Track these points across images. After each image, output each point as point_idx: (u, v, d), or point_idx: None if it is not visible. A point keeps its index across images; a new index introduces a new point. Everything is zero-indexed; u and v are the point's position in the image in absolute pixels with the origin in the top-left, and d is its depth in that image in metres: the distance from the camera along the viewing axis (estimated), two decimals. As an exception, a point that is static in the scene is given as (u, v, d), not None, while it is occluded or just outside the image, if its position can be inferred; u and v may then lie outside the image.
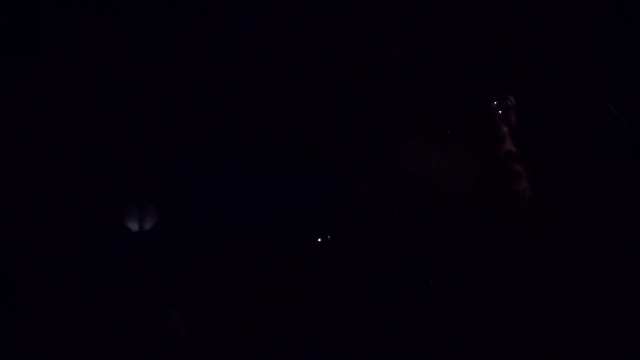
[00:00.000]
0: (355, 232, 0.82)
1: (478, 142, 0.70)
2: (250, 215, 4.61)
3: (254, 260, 4.04)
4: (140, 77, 3.43)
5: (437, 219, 0.71)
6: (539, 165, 0.73)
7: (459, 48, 0.75)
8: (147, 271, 4.32)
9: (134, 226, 4.43)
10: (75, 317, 3.47)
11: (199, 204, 4.67)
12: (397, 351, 0.69)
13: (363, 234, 0.81)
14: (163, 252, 4.44)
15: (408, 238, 0.75)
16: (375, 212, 0.77)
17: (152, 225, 4.53)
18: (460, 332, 0.68)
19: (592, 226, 0.71)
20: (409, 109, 0.73)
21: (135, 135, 4.03)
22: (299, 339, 0.78)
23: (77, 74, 3.26)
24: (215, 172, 4.48)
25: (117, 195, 4.50)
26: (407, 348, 0.69)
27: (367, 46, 0.81)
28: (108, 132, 3.90)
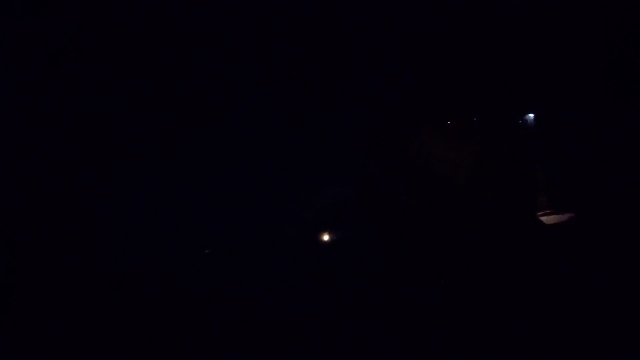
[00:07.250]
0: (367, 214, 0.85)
1: (470, 135, 0.72)
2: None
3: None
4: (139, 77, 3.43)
5: (440, 202, 0.73)
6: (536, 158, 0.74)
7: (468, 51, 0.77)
8: (148, 271, 4.32)
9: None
10: (75, 316, 3.47)
11: (209, 199, 4.68)
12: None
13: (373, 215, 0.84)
14: (163, 252, 4.45)
15: (416, 218, 0.77)
16: (385, 193, 0.80)
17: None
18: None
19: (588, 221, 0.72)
20: (424, 104, 0.76)
21: (135, 135, 4.04)
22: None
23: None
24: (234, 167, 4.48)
25: (116, 195, 4.50)
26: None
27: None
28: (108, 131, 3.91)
